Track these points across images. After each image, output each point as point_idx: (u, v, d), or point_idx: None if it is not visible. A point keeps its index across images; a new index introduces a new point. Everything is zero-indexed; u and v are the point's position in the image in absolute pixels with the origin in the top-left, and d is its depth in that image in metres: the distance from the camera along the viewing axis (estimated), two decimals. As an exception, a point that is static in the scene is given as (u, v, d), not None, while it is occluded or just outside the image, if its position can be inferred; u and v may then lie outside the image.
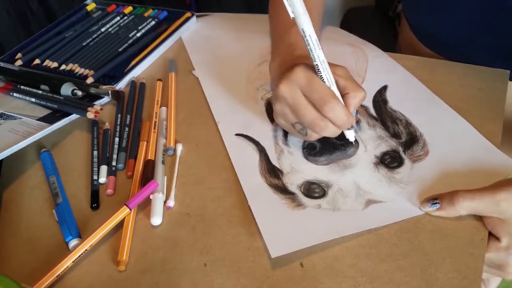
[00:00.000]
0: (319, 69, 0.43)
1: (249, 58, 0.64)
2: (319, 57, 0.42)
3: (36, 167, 0.52)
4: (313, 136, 0.46)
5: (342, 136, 0.47)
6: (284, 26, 0.56)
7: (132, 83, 0.61)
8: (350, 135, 0.47)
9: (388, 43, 0.81)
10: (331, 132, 0.45)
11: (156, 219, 0.44)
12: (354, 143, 0.48)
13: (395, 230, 0.41)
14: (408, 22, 0.71)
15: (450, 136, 0.49)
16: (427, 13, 0.63)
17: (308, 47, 0.42)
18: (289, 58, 0.50)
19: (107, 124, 0.55)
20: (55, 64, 0.64)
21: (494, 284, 0.46)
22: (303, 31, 0.42)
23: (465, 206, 0.40)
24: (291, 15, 0.41)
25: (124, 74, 0.62)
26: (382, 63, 0.60)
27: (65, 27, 0.72)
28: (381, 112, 0.53)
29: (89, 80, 0.60)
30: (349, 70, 0.46)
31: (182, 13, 0.73)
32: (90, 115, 0.53)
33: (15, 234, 0.45)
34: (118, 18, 0.73)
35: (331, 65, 0.45)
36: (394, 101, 0.54)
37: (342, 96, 0.45)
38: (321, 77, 0.43)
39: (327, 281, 0.38)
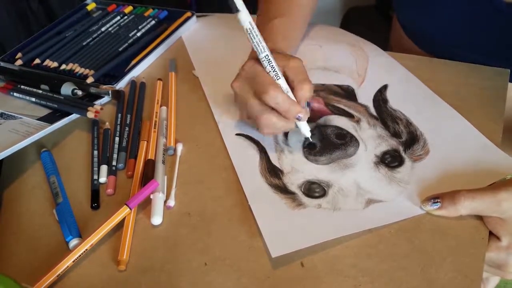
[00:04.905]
0: (264, 62, 0.44)
1: (249, 57, 0.64)
2: (264, 50, 0.43)
3: (36, 167, 0.52)
4: (265, 130, 0.46)
5: (342, 136, 0.47)
6: (262, 21, 0.56)
7: (132, 82, 0.61)
8: (304, 128, 0.47)
9: (388, 42, 0.81)
10: (278, 123, 0.45)
11: (157, 219, 0.44)
12: (353, 142, 0.48)
13: (396, 229, 0.41)
14: (398, 19, 0.70)
15: (451, 136, 0.49)
16: (416, 10, 0.63)
17: (253, 40, 0.43)
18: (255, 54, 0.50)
19: (107, 123, 0.55)
20: (55, 64, 0.64)
21: (493, 283, 0.46)
22: (250, 24, 0.42)
23: (466, 206, 0.40)
24: (239, 8, 0.42)
25: (124, 74, 0.62)
26: (383, 63, 0.60)
27: (65, 27, 0.72)
28: (382, 111, 0.53)
29: (89, 80, 0.60)
30: (303, 64, 0.46)
31: (182, 13, 0.73)
32: (90, 114, 0.53)
33: (16, 233, 0.45)
34: (118, 17, 0.73)
35: (285, 57, 0.46)
36: (394, 101, 0.54)
37: (292, 89, 0.45)
38: (267, 71, 0.44)
39: (328, 281, 0.38)
